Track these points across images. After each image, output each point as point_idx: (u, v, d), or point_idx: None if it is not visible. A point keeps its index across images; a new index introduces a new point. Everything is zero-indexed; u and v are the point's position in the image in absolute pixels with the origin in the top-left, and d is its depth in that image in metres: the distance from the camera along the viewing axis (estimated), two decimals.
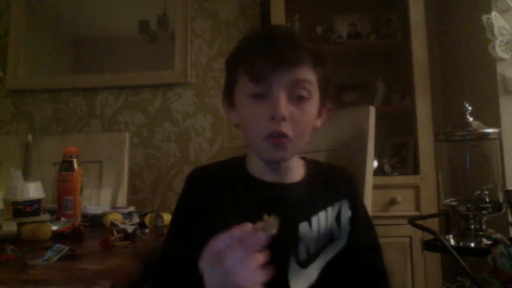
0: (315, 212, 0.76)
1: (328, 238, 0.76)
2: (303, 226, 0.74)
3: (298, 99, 0.71)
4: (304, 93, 0.71)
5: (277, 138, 0.69)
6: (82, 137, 1.98)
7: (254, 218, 0.57)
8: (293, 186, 0.77)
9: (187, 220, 0.74)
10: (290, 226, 0.72)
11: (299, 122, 0.70)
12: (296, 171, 0.79)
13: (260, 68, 0.68)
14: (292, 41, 0.72)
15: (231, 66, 0.76)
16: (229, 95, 0.77)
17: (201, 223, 0.72)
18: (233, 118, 0.78)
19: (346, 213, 0.78)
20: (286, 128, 0.69)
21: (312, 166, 0.82)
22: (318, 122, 0.79)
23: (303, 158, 0.84)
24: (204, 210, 0.73)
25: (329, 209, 0.77)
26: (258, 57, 0.69)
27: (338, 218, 0.78)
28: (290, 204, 0.75)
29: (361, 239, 0.79)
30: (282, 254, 0.71)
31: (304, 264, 0.73)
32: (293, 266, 0.72)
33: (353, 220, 0.79)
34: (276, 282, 0.54)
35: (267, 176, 0.76)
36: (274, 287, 0.54)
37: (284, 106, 0.68)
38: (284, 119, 0.68)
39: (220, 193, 0.74)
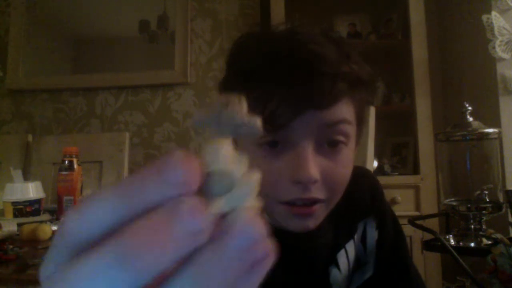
0: (341, 247, 0.59)
1: (356, 268, 0.61)
2: (332, 273, 0.58)
3: (331, 146, 0.49)
4: (340, 138, 0.50)
5: (304, 208, 0.48)
6: (82, 137, 1.98)
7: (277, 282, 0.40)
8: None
9: None
10: (317, 277, 0.58)
11: (334, 180, 0.49)
12: None
13: (277, 114, 0.45)
14: (323, 63, 0.47)
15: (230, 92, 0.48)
16: None
17: None
18: None
19: (373, 235, 0.62)
20: (317, 192, 0.48)
21: None
22: (355, 152, 0.57)
23: None
24: None
25: (355, 235, 0.61)
26: (273, 94, 0.46)
27: (364, 239, 0.62)
28: (313, 252, 0.56)
29: (391, 264, 0.63)
30: None
31: None
32: None
33: (380, 241, 0.62)
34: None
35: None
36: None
37: (313, 164, 0.46)
38: (314, 182, 0.47)
39: None
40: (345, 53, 0.52)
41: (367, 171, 0.69)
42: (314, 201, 0.48)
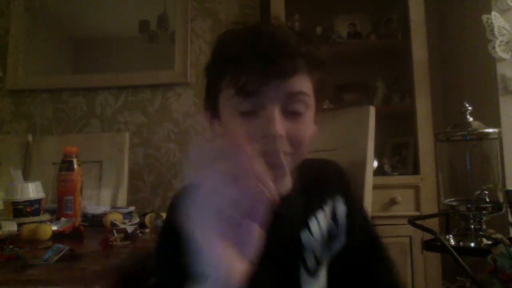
0: (312, 213, 0.70)
1: (327, 239, 0.71)
2: (304, 235, 0.68)
3: (293, 113, 0.63)
4: (301, 107, 0.63)
5: (273, 156, 0.60)
6: (82, 137, 1.99)
7: None
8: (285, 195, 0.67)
9: (173, 245, 0.62)
10: (291, 238, 0.68)
11: (296, 138, 0.63)
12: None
13: (249, 82, 0.60)
14: (285, 46, 0.61)
15: (213, 74, 0.67)
16: (211, 105, 0.68)
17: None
18: (217, 128, 0.68)
19: (342, 209, 0.73)
20: (283, 145, 0.61)
21: (300, 166, 0.71)
22: (315, 128, 0.72)
23: None
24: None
25: (326, 207, 0.72)
26: (245, 68, 0.60)
27: (334, 216, 0.72)
28: (284, 213, 0.64)
29: (360, 233, 0.73)
30: (291, 268, 0.67)
31: (314, 272, 0.69)
32: (304, 277, 0.68)
33: (349, 215, 0.73)
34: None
35: None
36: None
37: (279, 123, 0.60)
38: (280, 137, 0.60)
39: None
40: (305, 39, 0.65)
41: (336, 163, 0.80)
42: (280, 152, 0.60)
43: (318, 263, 0.69)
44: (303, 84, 0.63)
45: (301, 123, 0.63)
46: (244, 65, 0.61)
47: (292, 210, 0.69)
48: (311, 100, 0.65)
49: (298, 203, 0.70)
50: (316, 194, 0.72)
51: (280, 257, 0.57)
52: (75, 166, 1.05)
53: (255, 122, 0.61)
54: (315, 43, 0.67)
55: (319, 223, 0.70)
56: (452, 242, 1.32)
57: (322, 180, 0.74)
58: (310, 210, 0.71)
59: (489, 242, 1.26)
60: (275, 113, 0.60)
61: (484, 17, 1.66)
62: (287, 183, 0.66)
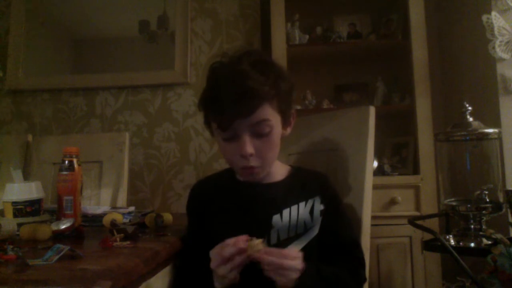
0: (287, 206, 0.91)
1: (301, 228, 0.91)
2: (275, 218, 0.90)
3: (261, 135, 0.86)
4: (265, 130, 0.86)
5: (248, 169, 0.88)
6: (82, 137, 1.98)
7: (237, 213, 0.92)
8: (270, 185, 0.95)
9: (190, 222, 0.99)
10: (264, 217, 0.90)
11: (265, 152, 0.88)
12: (276, 174, 0.97)
13: (224, 120, 0.85)
14: (251, 90, 0.83)
15: (204, 109, 0.92)
16: (208, 127, 0.95)
17: (199, 223, 0.96)
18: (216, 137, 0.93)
19: (318, 207, 0.93)
20: (254, 161, 0.87)
21: (293, 171, 1.00)
22: (287, 131, 0.95)
23: (290, 166, 1.03)
24: (199, 213, 0.96)
25: (302, 204, 0.93)
26: (221, 110, 0.84)
27: (311, 211, 0.93)
28: (266, 199, 0.93)
29: (333, 222, 0.93)
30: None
31: (275, 247, 0.86)
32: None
33: (326, 212, 0.93)
34: (250, 264, 0.77)
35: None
36: (247, 267, 0.77)
37: (249, 145, 0.85)
38: (250, 155, 0.86)
39: (210, 199, 0.97)
40: (267, 76, 0.86)
41: (324, 174, 1.02)
42: (253, 167, 0.88)
43: (280, 242, 0.89)
44: (265, 113, 0.86)
45: (267, 141, 0.88)
46: (221, 107, 0.84)
47: (272, 196, 0.93)
48: (275, 120, 0.88)
49: (279, 193, 0.94)
50: (298, 193, 0.94)
51: (254, 228, 0.84)
52: (75, 166, 1.04)
53: (234, 145, 0.87)
54: (279, 76, 0.89)
55: (291, 213, 0.91)
56: (452, 242, 1.32)
57: (308, 184, 0.96)
58: (287, 202, 0.92)
59: (489, 242, 1.26)
60: (246, 140, 0.85)
61: (484, 17, 1.66)
62: (276, 175, 0.96)
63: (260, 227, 0.88)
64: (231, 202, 0.95)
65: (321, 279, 0.83)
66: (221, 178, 1.02)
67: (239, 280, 0.79)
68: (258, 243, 0.76)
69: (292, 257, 0.78)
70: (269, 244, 0.88)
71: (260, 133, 0.86)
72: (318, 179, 0.99)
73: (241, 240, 0.77)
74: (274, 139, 0.89)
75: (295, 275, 0.77)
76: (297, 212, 0.92)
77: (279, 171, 0.98)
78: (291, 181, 0.97)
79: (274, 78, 0.87)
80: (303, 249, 0.88)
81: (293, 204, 0.92)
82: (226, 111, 0.83)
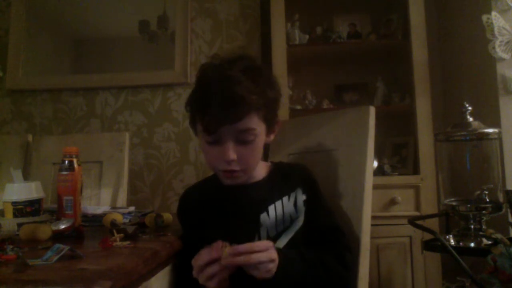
0: (272, 202, 0.94)
1: (288, 221, 0.93)
2: (262, 216, 0.92)
3: (245, 142, 0.88)
4: (250, 138, 0.88)
5: (230, 173, 0.91)
6: (82, 137, 1.98)
7: (225, 217, 0.94)
8: (254, 185, 0.97)
9: (183, 229, 1.01)
10: (252, 217, 0.92)
11: (247, 158, 0.90)
12: (257, 173, 0.98)
13: (210, 124, 0.86)
14: (238, 97, 0.84)
15: (190, 111, 0.94)
16: (193, 128, 0.97)
17: (191, 230, 0.98)
18: (199, 140, 0.95)
19: (301, 197, 0.96)
20: (235, 166, 0.89)
21: (274, 168, 1.03)
22: (271, 138, 0.98)
23: (271, 162, 1.06)
24: (190, 222, 1.00)
25: (285, 198, 0.95)
26: (207, 114, 0.85)
27: (295, 203, 0.95)
28: (251, 199, 0.95)
29: (314, 209, 0.96)
30: (247, 239, 0.86)
31: None
32: None
33: (308, 201, 0.96)
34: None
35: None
36: (241, 267, 0.77)
37: (232, 151, 0.87)
38: (233, 160, 0.87)
39: (198, 207, 0.99)
40: (257, 84, 0.87)
41: (303, 165, 1.04)
42: (234, 171, 0.90)
43: (270, 239, 0.90)
44: (250, 121, 0.87)
45: (250, 148, 0.90)
46: (208, 111, 0.85)
47: (257, 196, 0.95)
48: (260, 128, 0.90)
49: (263, 191, 0.96)
50: (280, 188, 0.97)
51: (243, 229, 0.90)
52: (75, 166, 1.04)
53: (217, 149, 0.89)
54: (268, 85, 0.91)
55: (276, 209, 0.93)
56: (452, 242, 1.32)
57: (289, 177, 0.99)
58: (272, 199, 0.94)
59: (489, 242, 1.26)
60: (229, 145, 0.87)
61: (484, 17, 1.66)
62: (258, 175, 0.98)
63: (249, 228, 0.91)
64: (218, 207, 0.96)
65: (303, 262, 0.84)
66: (207, 184, 1.04)
67: (228, 284, 0.79)
68: (227, 248, 0.76)
69: (260, 250, 0.77)
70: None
71: (244, 140, 0.88)
72: (298, 171, 1.01)
73: (215, 249, 0.77)
74: (257, 146, 0.91)
75: (270, 265, 0.77)
76: (281, 206, 0.94)
77: (260, 170, 1.00)
78: (273, 177, 0.99)
79: (263, 87, 0.89)
80: (291, 240, 0.91)
81: (277, 199, 0.94)
82: (213, 115, 0.85)
